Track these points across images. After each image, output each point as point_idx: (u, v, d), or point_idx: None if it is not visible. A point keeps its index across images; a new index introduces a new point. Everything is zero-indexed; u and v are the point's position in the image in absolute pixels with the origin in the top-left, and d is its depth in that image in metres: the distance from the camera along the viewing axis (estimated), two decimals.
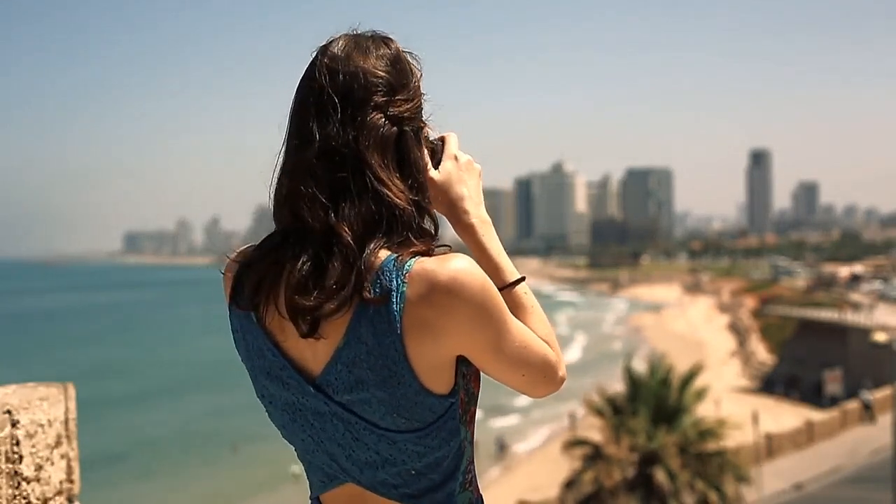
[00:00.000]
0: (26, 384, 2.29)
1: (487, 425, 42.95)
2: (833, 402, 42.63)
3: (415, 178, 1.38)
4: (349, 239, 1.29)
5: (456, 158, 1.52)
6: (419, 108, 1.42)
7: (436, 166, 1.51)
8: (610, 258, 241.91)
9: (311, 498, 1.46)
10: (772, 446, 33.93)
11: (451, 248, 1.36)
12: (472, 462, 1.43)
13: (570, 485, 22.43)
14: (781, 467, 31.76)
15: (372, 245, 1.30)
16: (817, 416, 39.35)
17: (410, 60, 1.44)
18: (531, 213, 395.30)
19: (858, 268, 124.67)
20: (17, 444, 2.10)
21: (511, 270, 1.49)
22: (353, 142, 1.33)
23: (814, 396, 47.01)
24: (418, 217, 1.37)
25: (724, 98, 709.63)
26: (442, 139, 1.55)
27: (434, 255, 1.32)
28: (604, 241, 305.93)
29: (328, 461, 1.38)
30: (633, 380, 23.87)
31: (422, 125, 1.44)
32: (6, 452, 2.07)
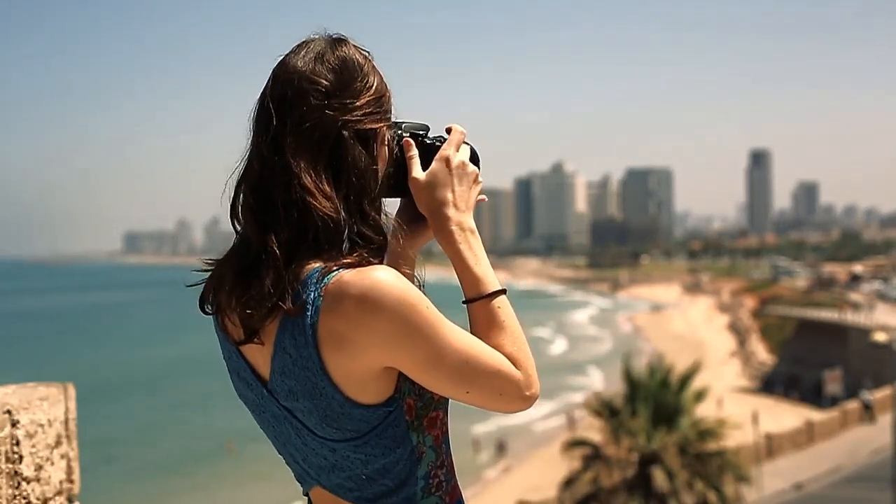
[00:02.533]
0: (26, 384, 2.29)
1: (487, 425, 42.98)
2: (833, 402, 42.64)
3: (353, 184, 1.35)
4: (275, 248, 1.29)
5: (448, 160, 1.47)
6: (367, 112, 1.38)
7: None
8: (610, 258, 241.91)
9: (303, 494, 1.48)
10: (772, 446, 33.93)
11: (381, 260, 1.34)
12: (443, 466, 1.41)
13: (569, 485, 22.42)
14: (781, 467, 31.77)
15: (300, 256, 1.30)
16: (817, 416, 39.36)
17: (362, 62, 1.40)
18: (531, 213, 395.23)
19: (858, 268, 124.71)
20: (17, 444, 2.10)
21: (489, 282, 1.42)
22: (281, 148, 1.32)
23: (814, 396, 47.04)
24: (360, 224, 1.34)
25: (724, 98, 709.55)
26: (445, 137, 1.51)
27: (363, 266, 1.30)
28: (604, 241, 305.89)
29: (293, 462, 1.42)
30: (632, 380, 23.85)
31: (375, 128, 1.39)
32: (6, 452, 2.07)
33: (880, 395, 39.56)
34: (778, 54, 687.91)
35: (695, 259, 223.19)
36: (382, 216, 1.39)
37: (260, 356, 1.36)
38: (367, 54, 1.43)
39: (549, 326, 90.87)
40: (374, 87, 1.40)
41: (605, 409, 23.24)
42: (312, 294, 1.27)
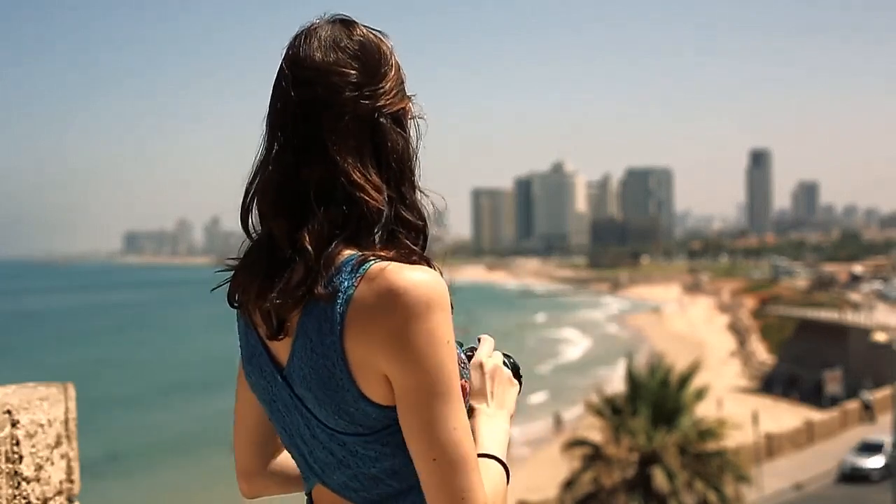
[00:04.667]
0: (26, 384, 2.29)
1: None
2: (833, 402, 42.67)
3: (393, 169, 1.32)
4: (308, 246, 1.25)
5: (481, 365, 1.45)
6: (395, 93, 1.34)
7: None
8: (610, 258, 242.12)
9: (305, 493, 1.45)
10: (772, 446, 33.95)
11: (426, 260, 1.30)
12: None
13: (569, 485, 22.42)
14: (781, 467, 31.79)
15: (336, 242, 1.26)
16: (817, 416, 39.40)
17: (378, 42, 1.36)
18: (531, 213, 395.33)
19: (858, 268, 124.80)
20: (17, 444, 2.10)
21: (493, 451, 1.35)
22: (323, 147, 1.28)
23: (814, 396, 47.04)
24: (401, 208, 1.32)
25: (724, 98, 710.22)
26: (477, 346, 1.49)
27: (401, 261, 1.26)
28: (604, 241, 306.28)
29: (298, 457, 1.37)
30: (632, 380, 23.86)
31: (403, 107, 1.36)
32: (6, 452, 2.07)
33: (880, 395, 39.57)
34: (778, 54, 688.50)
35: (695, 259, 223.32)
36: (419, 195, 1.36)
37: (280, 342, 1.32)
38: (377, 33, 1.38)
39: (570, 326, 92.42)
40: (394, 66, 1.36)
41: (605, 409, 23.26)
42: (346, 282, 1.23)
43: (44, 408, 2.21)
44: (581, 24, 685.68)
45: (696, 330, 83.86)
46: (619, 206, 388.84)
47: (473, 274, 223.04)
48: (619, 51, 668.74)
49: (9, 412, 2.09)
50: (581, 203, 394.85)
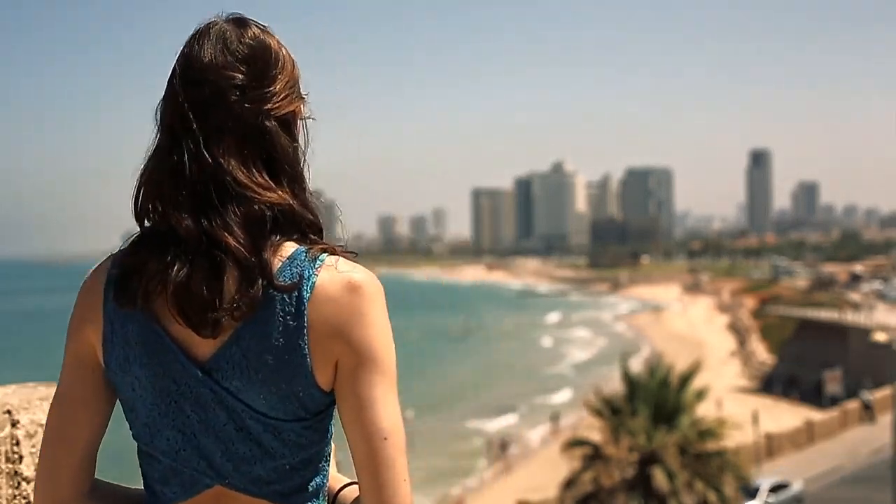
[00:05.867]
0: (26, 384, 2.28)
1: (489, 425, 42.96)
2: (833, 402, 42.69)
3: (287, 172, 1.32)
4: (235, 243, 1.24)
5: None
6: (283, 96, 1.33)
7: None
8: (610, 258, 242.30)
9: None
10: (772, 446, 33.98)
11: (357, 255, 1.34)
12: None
13: (569, 485, 22.43)
14: (781, 467, 31.79)
15: (275, 238, 1.27)
16: (817, 416, 39.41)
17: (268, 42, 1.35)
18: (531, 213, 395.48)
19: (858, 268, 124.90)
20: (17, 444, 2.10)
21: None
22: (209, 149, 1.27)
23: (814, 396, 47.07)
24: (300, 208, 1.31)
25: (724, 98, 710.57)
26: None
27: (343, 257, 1.31)
28: (604, 241, 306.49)
29: (196, 460, 1.30)
30: (629, 381, 23.86)
31: (292, 110, 1.36)
32: (6, 452, 2.07)
33: (880, 395, 39.59)
34: (778, 55, 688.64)
35: (695, 259, 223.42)
36: (309, 196, 1.36)
37: (198, 336, 1.27)
38: (268, 30, 1.37)
39: (581, 326, 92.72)
40: (286, 69, 1.35)
41: (605, 409, 23.26)
42: (307, 271, 1.26)
43: (44, 408, 2.20)
44: (581, 24, 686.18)
45: (696, 330, 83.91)
46: (619, 206, 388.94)
47: (473, 274, 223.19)
48: (619, 50, 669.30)
49: (9, 412, 2.09)
50: (581, 203, 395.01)
